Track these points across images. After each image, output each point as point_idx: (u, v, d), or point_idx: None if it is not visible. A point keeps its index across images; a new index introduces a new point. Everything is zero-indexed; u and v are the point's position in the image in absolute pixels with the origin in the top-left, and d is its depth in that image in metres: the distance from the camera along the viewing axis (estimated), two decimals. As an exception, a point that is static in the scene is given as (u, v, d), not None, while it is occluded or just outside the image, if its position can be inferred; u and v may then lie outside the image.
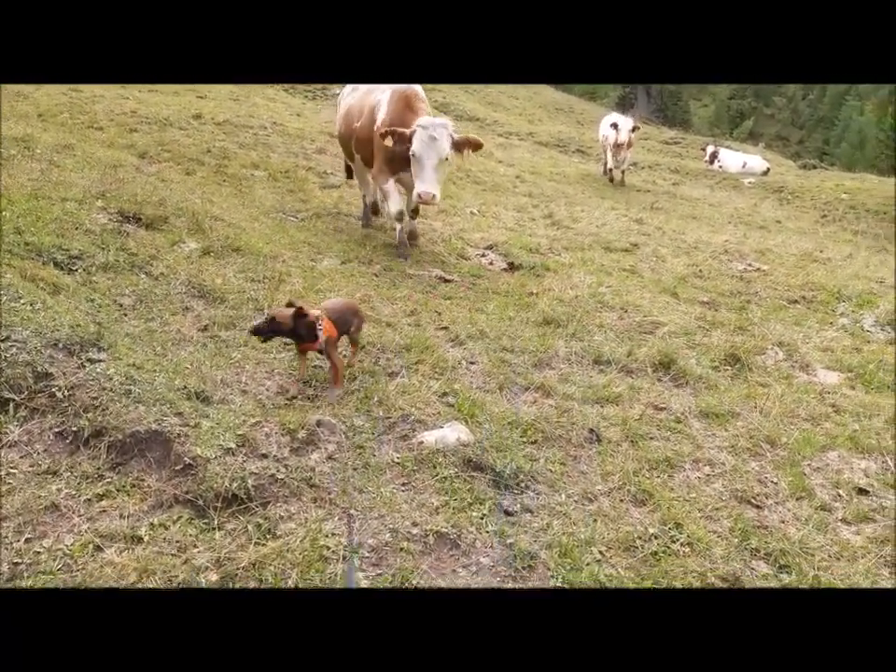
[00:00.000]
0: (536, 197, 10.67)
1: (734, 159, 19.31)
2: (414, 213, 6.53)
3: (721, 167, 18.97)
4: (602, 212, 9.94)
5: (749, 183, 17.45)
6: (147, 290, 4.10)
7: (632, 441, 3.43)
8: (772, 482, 3.27)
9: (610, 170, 14.27)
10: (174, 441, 2.69)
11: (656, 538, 2.74)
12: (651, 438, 3.52)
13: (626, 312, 5.31)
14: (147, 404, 2.85)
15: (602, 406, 3.74)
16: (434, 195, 5.59)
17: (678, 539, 2.75)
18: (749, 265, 7.59)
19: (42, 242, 4.15)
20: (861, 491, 3.25)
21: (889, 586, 2.63)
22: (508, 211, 8.96)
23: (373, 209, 7.22)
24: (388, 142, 5.65)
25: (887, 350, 5.13)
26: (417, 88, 6.10)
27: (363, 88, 6.54)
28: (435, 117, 5.92)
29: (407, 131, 5.64)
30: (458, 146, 5.75)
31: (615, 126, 13.64)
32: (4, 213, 4.39)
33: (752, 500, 3.11)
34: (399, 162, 5.84)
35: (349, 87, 7.03)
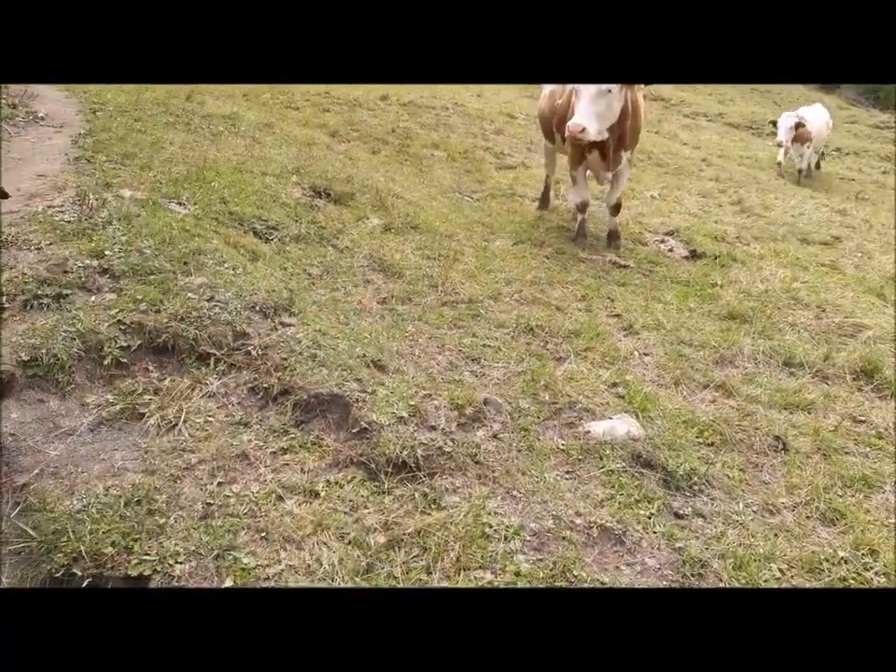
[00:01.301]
0: (723, 182, 9.97)
1: None
2: (615, 209, 5.97)
3: None
4: (799, 200, 9.09)
5: (980, 173, 15.14)
6: (334, 262, 4.35)
7: (824, 454, 3.11)
8: None
9: (778, 164, 12.31)
10: (352, 404, 2.83)
11: (846, 562, 2.48)
12: (847, 452, 3.17)
13: (824, 311, 4.81)
14: (330, 368, 3.02)
15: (791, 412, 3.43)
16: (584, 128, 4.88)
17: (872, 567, 2.46)
18: (977, 267, 6.61)
19: (244, 212, 4.53)
20: None
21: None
22: (691, 196, 8.45)
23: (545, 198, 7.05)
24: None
25: None
26: None
27: None
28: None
29: None
30: None
31: (774, 124, 12.29)
32: (212, 183, 4.83)
33: (967, 535, 2.72)
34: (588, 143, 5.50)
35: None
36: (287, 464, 2.62)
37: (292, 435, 2.75)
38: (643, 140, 11.63)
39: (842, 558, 2.49)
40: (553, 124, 6.06)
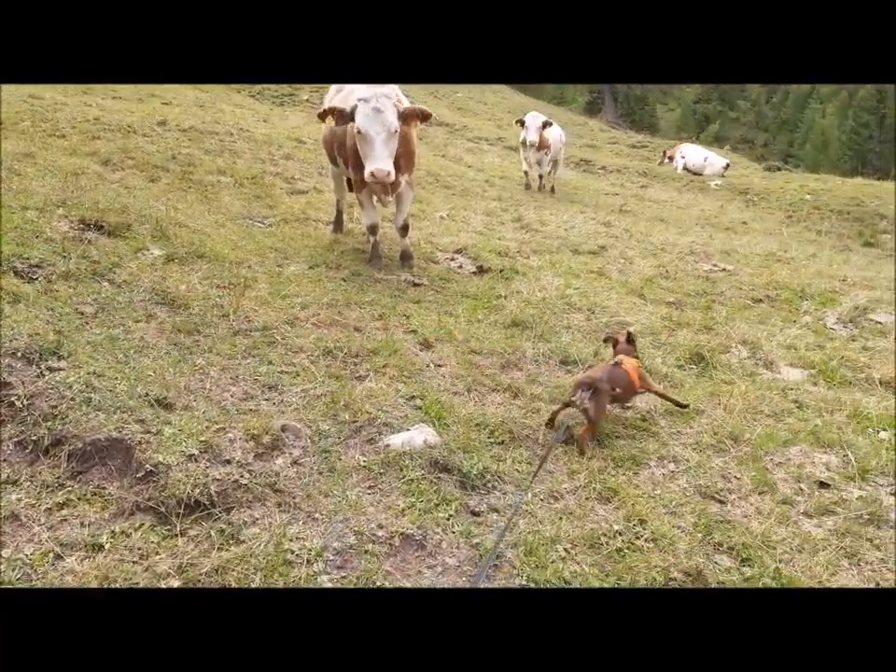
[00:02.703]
0: (505, 201, 10.73)
1: (696, 153, 20.76)
2: (403, 230, 6.12)
3: (683, 158, 20.33)
4: (570, 215, 10.03)
5: (716, 185, 17.80)
6: (110, 298, 4.04)
7: (598, 440, 3.47)
8: (735, 477, 3.32)
9: (525, 173, 12.89)
10: (135, 448, 2.66)
11: (620, 534, 2.77)
12: (617, 436, 3.56)
13: (593, 313, 5.37)
14: (107, 412, 2.81)
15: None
16: (388, 172, 5.07)
17: (642, 536, 2.78)
18: (715, 265, 7.72)
19: (1, 251, 4.07)
20: (823, 485, 3.31)
21: (851, 578, 2.69)
22: (477, 215, 8.99)
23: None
24: (330, 122, 5.36)
25: (848, 346, 5.25)
26: (393, 87, 5.54)
27: (347, 89, 5.91)
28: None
29: (347, 108, 5.15)
30: (406, 117, 5.24)
31: (521, 123, 12.34)
32: (-39, 221, 4.30)
33: (716, 496, 3.16)
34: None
35: (333, 88, 6.51)
36: (65, 519, 2.41)
37: (69, 488, 2.53)
38: (431, 164, 12.20)
39: (616, 531, 2.78)
40: (335, 148, 6.13)
